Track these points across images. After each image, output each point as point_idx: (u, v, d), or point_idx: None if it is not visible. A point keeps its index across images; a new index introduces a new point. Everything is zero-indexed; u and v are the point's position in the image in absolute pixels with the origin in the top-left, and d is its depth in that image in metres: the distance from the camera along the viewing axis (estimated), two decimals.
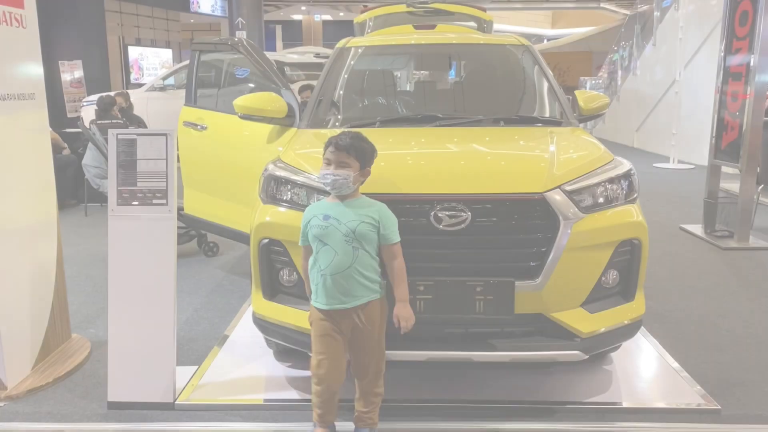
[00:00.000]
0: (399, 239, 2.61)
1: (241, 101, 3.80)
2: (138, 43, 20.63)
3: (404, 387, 3.20)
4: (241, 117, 3.86)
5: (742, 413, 3.02)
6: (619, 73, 15.99)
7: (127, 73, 19.54)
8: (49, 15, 15.41)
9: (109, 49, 17.64)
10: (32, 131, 3.41)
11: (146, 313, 3.05)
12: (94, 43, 16.44)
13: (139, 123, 9.38)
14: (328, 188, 2.61)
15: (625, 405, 3.07)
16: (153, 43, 21.63)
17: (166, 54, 21.81)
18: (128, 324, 3.06)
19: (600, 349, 3.03)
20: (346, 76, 4.20)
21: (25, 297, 3.33)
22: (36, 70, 3.42)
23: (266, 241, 2.97)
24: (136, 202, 3.04)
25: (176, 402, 3.07)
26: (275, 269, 3.03)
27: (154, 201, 3.04)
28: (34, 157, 3.43)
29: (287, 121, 3.93)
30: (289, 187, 3.01)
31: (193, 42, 4.97)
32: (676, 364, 3.48)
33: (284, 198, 3.01)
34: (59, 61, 14.69)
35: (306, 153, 3.27)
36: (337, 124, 3.78)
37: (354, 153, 2.57)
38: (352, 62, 4.27)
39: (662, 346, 3.72)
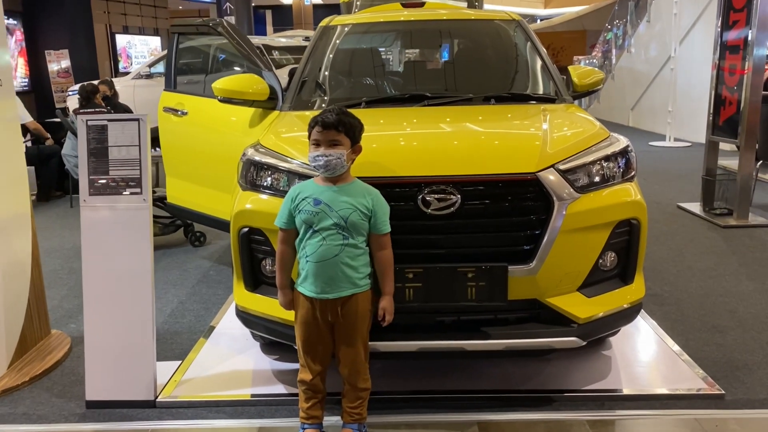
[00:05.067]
0: (389, 230, 2.48)
1: (220, 84, 3.64)
2: (125, 31, 20.34)
3: (395, 378, 3.08)
4: (220, 100, 3.71)
5: (746, 398, 2.91)
6: (614, 51, 15.79)
7: (116, 62, 19.29)
8: (35, 4, 15.18)
9: (96, 38, 17.39)
10: (1, 120, 3.24)
11: (123, 307, 2.92)
12: (81, 32, 16.23)
13: (125, 111, 9.18)
14: (320, 171, 2.46)
15: (625, 392, 2.96)
16: (141, 31, 21.33)
17: (155, 42, 21.54)
18: (105, 319, 2.92)
19: (598, 334, 2.91)
20: (330, 55, 4.04)
21: None
22: (2, 55, 3.25)
23: (246, 229, 2.83)
24: (110, 192, 2.90)
25: (157, 399, 2.94)
26: (257, 259, 2.89)
27: (128, 190, 2.89)
28: (3, 147, 3.27)
29: (269, 103, 3.78)
30: (270, 172, 2.87)
31: (172, 25, 4.79)
32: (676, 348, 3.37)
33: (265, 184, 2.86)
34: (45, 51, 14.48)
35: (288, 137, 3.13)
36: (322, 105, 3.63)
37: (343, 129, 2.43)
38: (337, 41, 4.11)
39: (662, 328, 3.61)
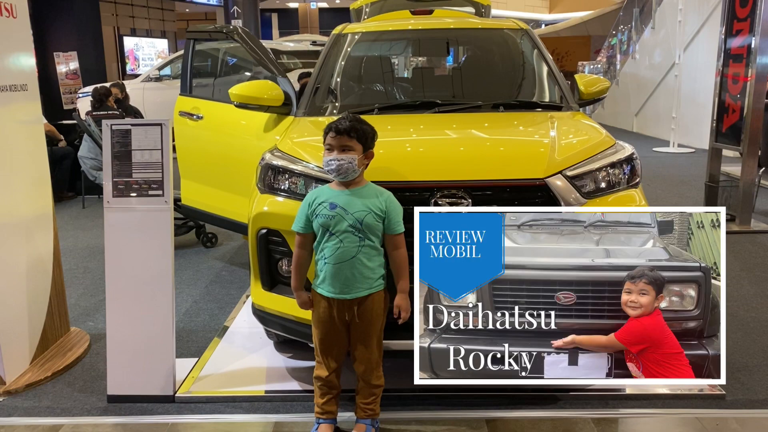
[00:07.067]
0: (403, 229, 2.57)
1: (236, 90, 3.75)
2: (133, 33, 20.50)
3: (406, 376, 3.17)
4: (236, 106, 3.81)
5: (746, 398, 3.00)
6: (618, 57, 15.89)
7: (123, 64, 19.43)
8: (43, 6, 15.29)
9: (104, 40, 17.51)
10: (26, 123, 3.36)
11: (145, 305, 3.02)
12: (89, 34, 16.31)
13: (136, 114, 9.31)
14: (332, 175, 2.56)
15: (628, 391, 3.04)
16: (148, 33, 21.50)
17: (162, 44, 21.69)
18: (127, 317, 3.03)
19: None
20: (343, 62, 4.15)
21: (22, 291, 3.30)
22: (28, 61, 3.37)
23: (264, 231, 2.94)
24: (132, 194, 3.00)
25: (176, 394, 3.04)
26: (274, 259, 3.00)
27: (150, 192, 3.00)
28: (28, 149, 3.38)
29: (284, 109, 3.88)
30: (286, 176, 2.97)
31: (187, 30, 4.90)
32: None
33: (282, 187, 2.97)
34: (54, 53, 14.60)
35: (303, 141, 3.23)
36: (334, 111, 3.74)
37: (355, 135, 2.53)
38: (348, 49, 4.22)
39: None
